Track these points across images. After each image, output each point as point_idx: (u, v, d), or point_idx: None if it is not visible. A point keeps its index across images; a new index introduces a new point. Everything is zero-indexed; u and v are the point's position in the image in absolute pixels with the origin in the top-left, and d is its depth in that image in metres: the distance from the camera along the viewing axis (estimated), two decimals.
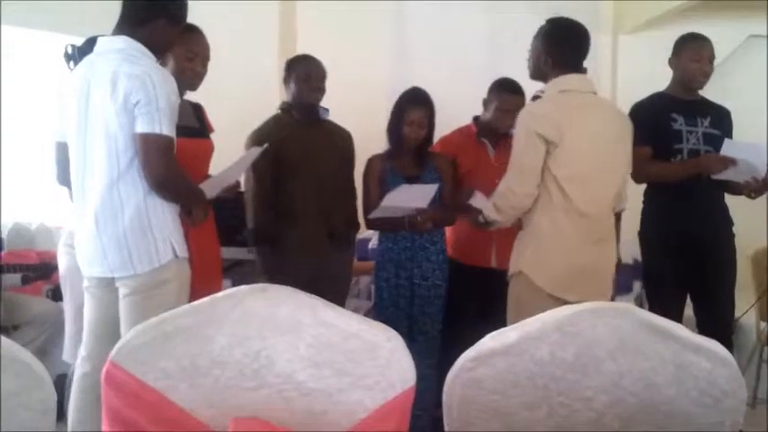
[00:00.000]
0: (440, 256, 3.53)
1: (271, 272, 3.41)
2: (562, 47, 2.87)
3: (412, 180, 3.43)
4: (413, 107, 3.46)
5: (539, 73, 2.94)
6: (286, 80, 3.50)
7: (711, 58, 3.42)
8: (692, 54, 3.40)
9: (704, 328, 3.31)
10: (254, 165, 3.15)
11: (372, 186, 3.53)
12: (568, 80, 2.83)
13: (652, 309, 3.34)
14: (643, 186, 3.56)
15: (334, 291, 3.17)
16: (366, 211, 3.55)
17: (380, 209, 3.30)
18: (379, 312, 3.51)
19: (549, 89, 2.88)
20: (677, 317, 3.30)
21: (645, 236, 3.56)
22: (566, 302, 2.61)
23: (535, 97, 2.93)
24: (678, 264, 3.36)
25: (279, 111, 3.54)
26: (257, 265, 3.52)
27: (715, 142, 3.34)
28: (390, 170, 3.50)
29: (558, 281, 2.76)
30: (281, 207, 3.43)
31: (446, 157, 3.61)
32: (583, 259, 2.77)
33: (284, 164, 3.34)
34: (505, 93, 3.57)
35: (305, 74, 3.42)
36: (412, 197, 3.29)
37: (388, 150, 3.58)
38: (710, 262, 3.36)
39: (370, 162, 3.58)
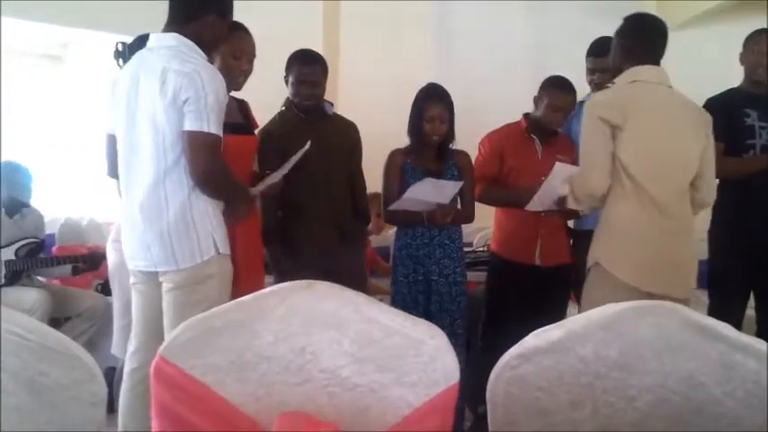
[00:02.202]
0: (459, 253, 3.50)
1: (282, 270, 3.33)
2: (635, 39, 2.85)
3: (431, 175, 3.37)
4: (431, 103, 3.42)
5: (615, 68, 2.92)
6: (286, 78, 3.39)
7: None
8: (755, 47, 3.38)
9: (764, 327, 3.27)
10: (260, 163, 3.14)
11: (392, 180, 3.49)
12: (639, 71, 2.79)
13: (713, 306, 3.33)
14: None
15: (348, 286, 3.14)
16: (386, 205, 3.52)
17: (402, 200, 3.28)
18: (396, 307, 3.45)
19: (618, 80, 2.85)
20: (739, 316, 3.28)
21: (714, 233, 3.52)
22: (644, 293, 2.61)
23: (605, 88, 2.92)
24: (745, 262, 3.32)
25: (283, 107, 3.45)
26: (270, 264, 3.42)
27: None
28: (410, 165, 3.47)
29: (634, 270, 2.69)
30: (290, 204, 3.36)
31: (466, 155, 3.58)
32: (658, 249, 2.70)
33: None
34: (557, 90, 3.52)
35: (297, 79, 3.31)
36: (435, 192, 3.27)
37: (409, 145, 3.54)
38: None
39: (392, 156, 3.54)
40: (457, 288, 3.44)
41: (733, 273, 3.36)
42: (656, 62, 2.84)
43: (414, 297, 3.43)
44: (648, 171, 2.70)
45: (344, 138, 3.49)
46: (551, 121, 3.53)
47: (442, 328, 3.41)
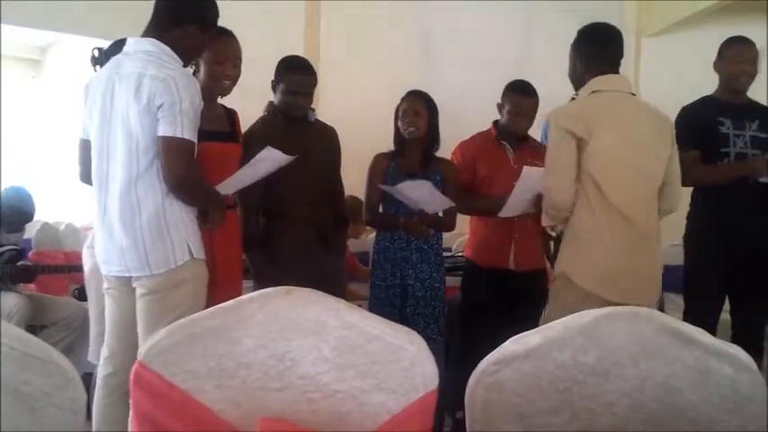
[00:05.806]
0: (437, 258, 3.53)
1: (263, 276, 3.29)
2: (591, 49, 2.90)
3: (414, 179, 3.35)
4: (403, 99, 3.48)
5: (576, 80, 2.96)
6: (274, 85, 3.37)
7: (755, 59, 3.42)
8: (735, 56, 3.42)
9: (737, 331, 3.32)
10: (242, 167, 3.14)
11: (376, 184, 3.51)
12: (600, 81, 2.84)
13: (689, 311, 3.38)
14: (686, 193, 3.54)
15: (328, 291, 3.12)
16: (367, 208, 3.56)
17: (394, 189, 3.28)
18: (373, 311, 3.46)
19: (581, 92, 2.90)
20: (714, 320, 3.31)
21: (690, 240, 3.56)
22: (609, 302, 2.64)
23: (571, 100, 2.96)
24: (721, 267, 3.36)
25: (265, 112, 3.44)
26: (250, 270, 3.38)
27: (763, 146, 3.36)
28: (394, 167, 3.49)
29: (598, 279, 2.73)
30: (271, 210, 3.37)
31: (452, 164, 3.61)
32: (623, 258, 2.74)
33: None
34: (517, 95, 3.57)
35: (290, 89, 3.31)
36: (425, 197, 3.28)
37: (394, 149, 3.57)
38: (753, 266, 3.34)
39: (376, 160, 3.56)
40: (433, 293, 3.46)
41: (709, 278, 3.40)
42: (616, 69, 2.89)
43: (390, 301, 3.45)
44: (615, 182, 2.74)
45: (325, 143, 3.49)
46: (516, 127, 3.56)
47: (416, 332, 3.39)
